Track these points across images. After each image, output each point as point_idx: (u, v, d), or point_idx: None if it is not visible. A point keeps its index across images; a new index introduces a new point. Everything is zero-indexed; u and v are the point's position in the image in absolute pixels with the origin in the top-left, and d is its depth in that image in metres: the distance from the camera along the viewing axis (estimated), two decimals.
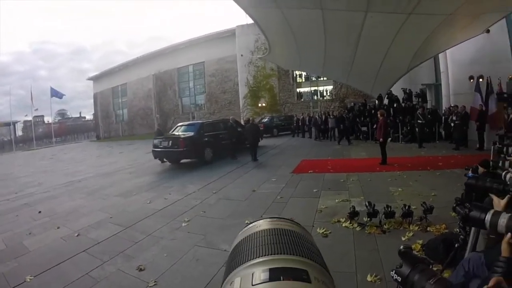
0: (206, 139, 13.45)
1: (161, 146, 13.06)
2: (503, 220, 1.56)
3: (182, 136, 13.15)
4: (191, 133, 13.37)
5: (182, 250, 4.74)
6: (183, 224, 5.97)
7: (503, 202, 1.92)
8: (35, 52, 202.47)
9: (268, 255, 0.64)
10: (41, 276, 4.28)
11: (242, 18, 32.36)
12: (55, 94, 50.21)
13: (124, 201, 8.26)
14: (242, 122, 17.61)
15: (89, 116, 74.34)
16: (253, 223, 0.84)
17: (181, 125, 15.05)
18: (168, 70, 40.69)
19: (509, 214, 1.58)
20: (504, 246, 1.50)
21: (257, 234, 0.76)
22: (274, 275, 0.57)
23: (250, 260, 0.64)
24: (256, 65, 31.54)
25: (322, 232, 4.97)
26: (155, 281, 3.88)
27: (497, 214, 1.62)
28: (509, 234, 1.50)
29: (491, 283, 0.92)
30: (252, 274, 0.59)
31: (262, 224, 0.81)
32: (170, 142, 12.83)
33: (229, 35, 33.95)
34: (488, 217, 1.64)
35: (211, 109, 37.53)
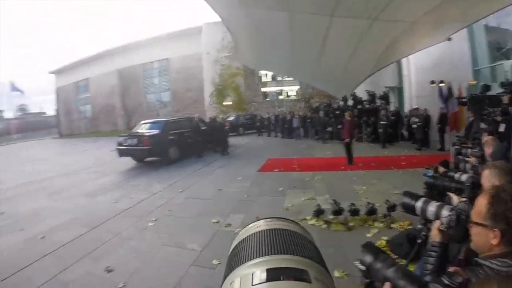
0: (171, 137, 13.36)
1: (126, 144, 12.87)
2: (431, 208, 1.73)
3: (147, 134, 13.00)
4: (156, 131, 13.24)
5: (151, 251, 4.74)
6: (150, 224, 5.95)
7: (460, 200, 2.07)
8: None
9: (268, 255, 0.66)
10: (4, 283, 4.17)
11: (209, 15, 32.15)
12: (15, 88, 48.50)
13: (90, 201, 8.12)
14: (207, 121, 17.62)
15: (50, 112, 71.41)
16: (253, 223, 0.86)
17: (145, 123, 14.76)
18: (133, 66, 39.69)
19: (438, 203, 1.74)
20: (434, 232, 1.66)
21: (257, 234, 0.78)
22: (274, 275, 0.59)
23: (250, 260, 0.66)
24: (222, 64, 31.38)
25: None
26: (124, 283, 3.87)
27: (426, 202, 1.79)
28: (437, 221, 1.66)
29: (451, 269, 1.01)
30: (252, 274, 0.60)
31: (262, 224, 0.82)
32: (135, 140, 12.67)
33: (195, 32, 33.68)
34: (418, 204, 1.81)
35: (176, 107, 36.99)
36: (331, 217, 5.34)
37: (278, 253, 0.66)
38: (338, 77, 14.08)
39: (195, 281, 3.88)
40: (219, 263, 4.16)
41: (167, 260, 4.42)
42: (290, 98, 33.55)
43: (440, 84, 13.33)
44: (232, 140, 17.69)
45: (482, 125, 6.03)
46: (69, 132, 47.48)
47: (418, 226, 2.14)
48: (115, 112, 41.00)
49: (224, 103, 32.06)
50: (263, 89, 34.13)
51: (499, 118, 5.01)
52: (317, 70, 13.73)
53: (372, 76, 14.64)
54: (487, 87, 6.48)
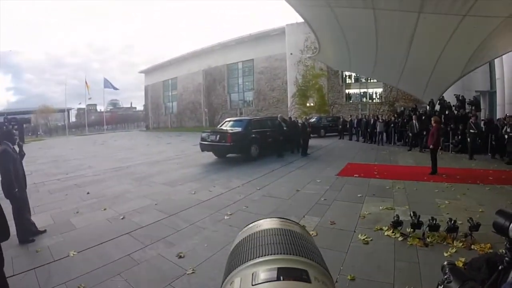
0: (253, 135, 13.55)
1: (209, 140, 13.26)
2: None
3: (230, 131, 13.28)
4: (239, 129, 13.49)
5: (223, 242, 4.78)
6: (226, 217, 6.05)
7: None
8: (88, 46, 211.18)
9: (268, 255, 0.64)
10: (84, 253, 4.50)
11: (292, 16, 32.29)
12: (108, 85, 52.52)
13: (170, 189, 8.49)
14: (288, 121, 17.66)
15: (139, 107, 76.74)
16: (253, 223, 0.82)
17: (229, 120, 15.26)
18: (218, 66, 41.41)
19: None
20: None
21: (257, 234, 0.75)
22: (274, 275, 0.57)
23: (250, 260, 0.63)
24: (305, 64, 31.49)
25: (363, 239, 4.88)
26: (193, 269, 3.96)
27: None
28: None
29: None
30: (252, 274, 0.58)
31: (262, 224, 0.79)
32: (218, 136, 12.99)
33: (279, 33, 34.19)
34: None
35: (259, 106, 37.88)
36: (408, 230, 5.03)
37: (278, 253, 0.64)
38: (425, 79, 13.50)
39: None
40: None
41: None
42: (373, 100, 32.75)
43: None
44: (313, 142, 17.52)
45: None
46: (156, 125, 50.87)
47: (501, 250, 1.90)
48: (199, 109, 42.89)
49: (307, 104, 32.00)
50: (346, 91, 33.69)
51: None
52: (402, 71, 13.29)
53: (461, 79, 13.68)
54: None
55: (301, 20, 11.15)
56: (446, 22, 8.72)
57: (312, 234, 5.12)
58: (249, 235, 0.75)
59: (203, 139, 13.54)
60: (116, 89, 54.67)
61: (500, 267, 2.06)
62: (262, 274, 0.57)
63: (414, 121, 15.60)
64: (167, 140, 24.97)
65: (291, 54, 31.89)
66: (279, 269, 0.58)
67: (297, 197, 7.52)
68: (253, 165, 11.99)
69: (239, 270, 0.61)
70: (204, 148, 13.56)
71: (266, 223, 0.78)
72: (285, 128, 14.89)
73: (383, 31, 9.93)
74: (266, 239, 0.70)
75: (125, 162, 13.44)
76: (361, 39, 11.27)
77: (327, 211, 6.44)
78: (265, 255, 0.63)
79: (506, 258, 1.91)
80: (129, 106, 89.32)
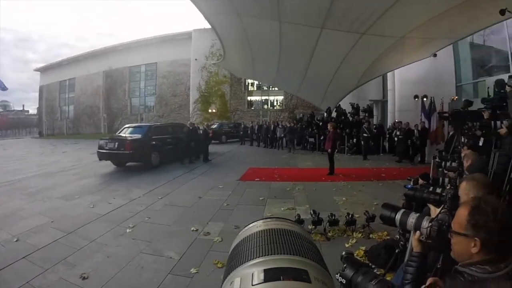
0: (154, 142, 13.25)
1: (107, 148, 12.60)
2: (411, 220, 1.78)
3: (129, 138, 12.88)
4: (138, 136, 13.12)
5: (127, 257, 4.64)
6: (128, 230, 5.84)
7: (438, 211, 2.12)
8: None
9: (268, 255, 0.66)
10: None
11: (199, 21, 32.22)
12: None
13: (67, 204, 7.90)
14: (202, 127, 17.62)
15: (32, 110, 69.81)
16: (253, 223, 0.85)
17: (128, 127, 14.73)
18: (119, 68, 39.41)
19: (417, 214, 1.80)
20: (414, 243, 1.71)
21: (257, 234, 0.77)
22: (274, 275, 0.59)
23: (250, 260, 0.66)
24: (209, 71, 31.65)
25: None
26: None
27: (406, 214, 1.83)
28: (418, 232, 1.71)
29: (428, 282, 1.02)
30: (252, 274, 0.60)
31: (262, 225, 0.82)
32: (117, 144, 12.44)
33: (185, 37, 33.73)
34: (398, 216, 1.86)
35: (160, 112, 36.90)
36: (310, 227, 5.35)
37: (278, 253, 0.67)
38: (323, 88, 14.35)
39: None
40: (197, 272, 4.13)
41: (144, 268, 4.34)
42: (274, 107, 33.88)
43: (423, 99, 13.66)
44: (215, 148, 17.64)
45: (462, 139, 6.19)
46: (51, 132, 46.71)
47: (396, 236, 2.18)
48: (98, 114, 40.54)
49: (209, 111, 32.10)
50: (248, 98, 34.41)
51: (479, 133, 5.15)
52: (303, 81, 13.96)
53: (357, 89, 15.03)
54: (469, 103, 6.69)
55: (209, 26, 11.21)
56: (346, 38, 9.41)
57: (217, 240, 5.22)
58: (249, 235, 0.78)
59: (101, 147, 12.79)
60: (5, 89, 49.14)
61: (396, 251, 2.38)
62: (262, 274, 0.59)
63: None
64: (62, 149, 23.32)
65: (196, 59, 31.74)
66: (279, 269, 0.60)
67: (200, 204, 7.56)
68: (154, 173, 11.73)
69: (239, 270, 0.64)
70: (102, 156, 12.82)
71: (266, 224, 0.81)
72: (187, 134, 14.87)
73: (287, 42, 10.37)
74: (266, 240, 0.72)
75: (16, 174, 12.24)
76: (265, 49, 11.63)
77: (230, 216, 6.58)
78: (265, 255, 0.65)
79: (401, 242, 2.21)
80: (21, 109, 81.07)
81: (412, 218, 1.79)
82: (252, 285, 0.58)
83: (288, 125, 20.92)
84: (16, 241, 5.47)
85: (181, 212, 6.98)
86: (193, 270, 4.18)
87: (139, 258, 4.64)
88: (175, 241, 5.26)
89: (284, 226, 0.81)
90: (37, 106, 51.68)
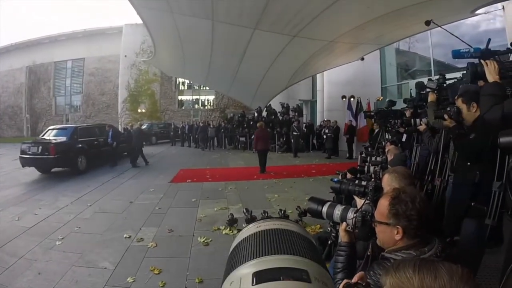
0: (80, 145, 12.68)
1: (30, 152, 11.81)
2: (337, 212, 1.88)
3: (54, 141, 12.22)
4: (63, 138, 12.53)
5: (60, 272, 4.43)
6: (58, 243, 5.56)
7: (362, 202, 2.32)
8: None
9: (268, 255, 0.69)
10: None
11: (131, 16, 30.79)
12: None
13: None
14: (120, 128, 17.12)
15: None
16: (253, 223, 0.88)
17: (52, 129, 13.92)
18: (44, 63, 36.49)
19: (343, 206, 1.91)
20: (342, 233, 1.82)
21: (257, 234, 0.80)
22: (275, 275, 0.61)
23: (250, 260, 0.68)
24: (139, 68, 30.92)
25: (203, 241, 5.15)
26: None
27: (332, 207, 1.93)
28: (344, 223, 1.81)
29: (355, 278, 1.15)
30: (253, 274, 0.63)
31: (262, 225, 0.85)
32: (40, 148, 11.69)
33: (116, 32, 32.44)
34: (324, 209, 1.95)
35: (87, 112, 35.11)
36: (244, 225, 5.56)
37: (278, 253, 0.70)
38: (254, 88, 14.61)
39: None
40: (134, 281, 4.09)
41: (78, 282, 4.20)
42: (205, 107, 33.98)
43: (351, 99, 14.49)
44: (145, 150, 17.42)
45: (387, 135, 6.71)
46: None
47: (328, 228, 2.40)
48: (20, 115, 37.37)
49: (138, 110, 31.42)
50: (179, 97, 34.17)
51: (401, 130, 5.61)
52: (234, 80, 14.11)
53: (287, 89, 15.59)
54: (392, 102, 7.18)
55: (140, 21, 10.92)
56: (278, 40, 9.65)
57: (152, 245, 5.19)
58: (249, 235, 0.81)
59: (23, 151, 11.95)
60: None
61: (329, 242, 2.59)
62: (262, 274, 0.61)
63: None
64: None
65: (125, 56, 30.77)
66: (279, 269, 0.62)
67: (131, 209, 7.47)
68: (82, 179, 11.24)
69: (239, 270, 0.66)
70: (25, 162, 11.94)
71: (266, 224, 0.83)
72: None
73: (218, 42, 10.40)
74: (266, 240, 0.75)
75: None
76: (196, 48, 11.57)
77: (163, 219, 6.59)
78: (265, 255, 0.68)
79: (333, 234, 2.39)
80: None
81: (338, 210, 1.88)
82: (252, 285, 0.60)
83: (201, 125, 21.29)
84: None
85: (112, 219, 6.82)
86: (130, 279, 4.13)
87: (72, 272, 4.46)
88: (108, 250, 5.14)
89: (284, 226, 0.85)
90: None
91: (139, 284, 4.06)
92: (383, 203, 1.55)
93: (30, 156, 11.84)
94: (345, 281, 1.12)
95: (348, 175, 4.14)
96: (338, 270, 1.70)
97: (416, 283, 0.80)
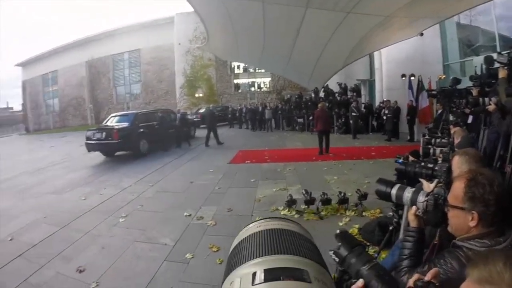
0: (142, 130, 13.16)
1: (94, 138, 12.54)
2: (407, 194, 1.76)
3: (116, 127, 12.78)
4: (125, 124, 13.04)
5: (122, 247, 4.64)
6: (121, 220, 5.84)
7: (432, 185, 2.11)
8: None
9: (268, 255, 0.66)
10: None
11: (181, 5, 31.48)
12: None
13: (58, 198, 7.84)
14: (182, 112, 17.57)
15: (17, 107, 67.53)
16: (253, 223, 0.85)
17: (114, 116, 14.60)
18: (102, 57, 38.55)
19: (413, 189, 1.77)
20: (411, 217, 1.69)
21: (257, 234, 0.77)
22: (274, 275, 0.59)
23: (250, 260, 0.66)
24: (193, 55, 31.18)
25: None
26: (96, 282, 3.77)
27: (401, 189, 1.81)
28: (414, 206, 1.68)
29: (428, 275, 1.02)
30: (252, 274, 0.60)
31: (262, 224, 0.82)
32: (104, 133, 12.40)
33: (168, 22, 33.16)
34: (393, 191, 1.84)
35: (146, 99, 36.47)
36: (303, 207, 5.40)
37: (278, 253, 0.67)
38: (310, 69, 14.25)
39: (168, 276, 3.82)
40: (192, 257, 4.15)
41: (140, 257, 4.35)
42: (262, 89, 33.71)
43: (411, 78, 13.65)
44: (203, 132, 17.64)
45: (451, 117, 6.18)
46: (37, 127, 45.52)
47: (389, 213, 2.19)
48: (83, 105, 39.80)
49: (196, 95, 31.82)
50: (235, 81, 34.20)
51: (467, 110, 5.14)
52: (289, 61, 13.83)
53: (344, 69, 15.00)
54: (457, 80, 6.63)
55: (191, 9, 10.97)
56: (331, 17, 9.29)
57: (211, 223, 5.24)
58: (249, 235, 0.77)
59: (88, 138, 12.72)
60: None
61: (390, 228, 2.40)
62: (262, 274, 0.59)
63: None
64: (50, 143, 22.93)
65: (179, 44, 31.21)
66: (279, 269, 0.60)
67: (192, 189, 7.58)
68: (144, 161, 11.69)
69: (239, 270, 0.64)
70: (90, 148, 12.72)
71: (266, 224, 0.81)
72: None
73: (270, 23, 10.21)
74: (266, 239, 0.72)
75: (4, 173, 12.06)
76: (249, 30, 11.47)
77: (223, 199, 6.61)
78: (265, 255, 0.65)
79: (395, 219, 2.21)
80: (5, 106, 78.67)
81: (408, 193, 1.77)
82: (252, 285, 0.58)
83: (249, 107, 21.34)
84: (11, 240, 5.39)
85: (173, 198, 7.01)
86: (188, 256, 4.19)
87: (134, 247, 4.65)
88: (168, 227, 5.27)
89: (284, 226, 0.82)
90: (22, 102, 50.46)
91: (198, 261, 4.12)
92: (458, 186, 1.41)
93: (95, 141, 12.55)
94: (416, 275, 1.06)
95: (410, 158, 3.92)
96: (405, 256, 1.61)
97: (507, 278, 0.75)
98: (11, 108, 75.30)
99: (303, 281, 0.58)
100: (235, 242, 0.81)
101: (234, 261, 0.70)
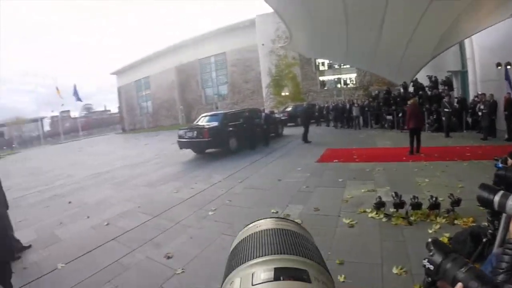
0: (231, 128, 13.59)
1: (186, 137, 13.27)
2: (511, 203, 1.53)
3: (207, 126, 13.30)
4: (215, 123, 13.52)
5: (209, 239, 4.80)
6: (210, 213, 6.05)
7: None
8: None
9: (268, 255, 0.64)
10: (72, 264, 4.43)
11: (261, 7, 32.13)
12: (76, 94, 51.05)
13: (152, 190, 8.44)
14: (267, 112, 17.79)
15: (114, 110, 75.00)
16: (253, 223, 0.84)
17: (204, 116, 15.22)
18: (190, 61, 40.98)
19: None
20: None
21: (257, 234, 0.76)
22: (274, 275, 0.57)
23: (250, 260, 0.64)
24: (277, 54, 31.39)
25: (349, 222, 4.94)
26: (182, 269, 3.96)
27: (505, 196, 1.58)
28: None
29: None
30: (252, 274, 0.59)
31: (262, 224, 0.80)
32: (195, 132, 13.00)
33: (249, 24, 33.95)
34: (496, 198, 1.60)
35: (234, 99, 37.77)
36: (392, 210, 5.12)
37: (278, 253, 0.65)
38: (397, 62, 13.59)
39: None
40: None
41: (225, 248, 4.34)
42: (348, 86, 32.90)
43: (508, 67, 12.30)
44: (291, 131, 17.60)
45: None
46: (132, 127, 50.00)
47: (483, 223, 1.94)
48: (174, 107, 42.46)
49: (282, 94, 32.07)
50: (320, 78, 33.73)
51: None
52: (374, 55, 13.34)
53: (433, 60, 13.92)
54: None
55: (271, 10, 11.07)
56: (416, 5, 8.83)
57: (298, 222, 5.18)
58: (249, 235, 0.76)
59: (180, 136, 13.54)
60: (79, 100, 52.58)
61: (484, 240, 2.13)
62: (262, 274, 0.58)
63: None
64: (144, 141, 24.64)
65: (262, 44, 31.70)
66: (279, 269, 0.59)
67: (279, 187, 7.57)
68: (233, 159, 12.00)
69: (239, 270, 0.62)
70: (182, 145, 13.53)
71: (266, 223, 0.80)
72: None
73: (353, 16, 9.95)
74: (265, 239, 0.71)
75: (104, 167, 13.23)
76: (331, 26, 11.27)
77: (310, 198, 6.49)
78: (265, 255, 0.64)
79: (490, 231, 1.97)
80: (103, 109, 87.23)
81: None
82: (252, 285, 0.56)
83: (333, 104, 20.96)
84: (107, 225, 6.00)
85: (260, 194, 7.08)
86: None
87: (220, 240, 4.77)
88: None
89: (284, 226, 0.80)
90: (118, 105, 55.40)
91: None
92: None
93: (187, 139, 13.26)
94: None
95: (509, 161, 3.36)
96: (502, 270, 1.45)
97: None
98: (109, 110, 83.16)
99: (303, 281, 0.57)
100: (235, 242, 0.79)
101: (234, 261, 0.68)
